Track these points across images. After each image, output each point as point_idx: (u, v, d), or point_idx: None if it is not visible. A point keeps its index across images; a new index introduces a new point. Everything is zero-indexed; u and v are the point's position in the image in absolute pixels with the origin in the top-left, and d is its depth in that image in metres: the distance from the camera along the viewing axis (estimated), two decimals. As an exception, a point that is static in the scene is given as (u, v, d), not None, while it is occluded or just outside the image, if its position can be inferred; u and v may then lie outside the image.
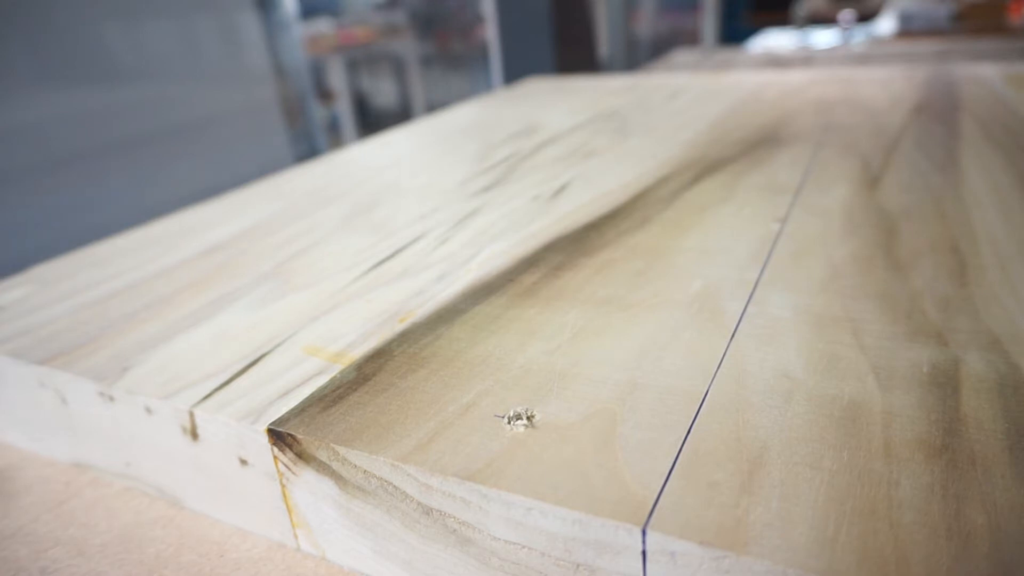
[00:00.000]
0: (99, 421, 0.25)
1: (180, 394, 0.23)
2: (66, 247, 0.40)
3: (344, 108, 2.69)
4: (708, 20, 3.19)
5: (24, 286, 0.34)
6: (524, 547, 0.17)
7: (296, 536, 0.22)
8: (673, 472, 0.17)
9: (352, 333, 0.26)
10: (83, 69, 0.78)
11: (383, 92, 3.17)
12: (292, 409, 0.21)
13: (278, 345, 0.25)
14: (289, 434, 0.20)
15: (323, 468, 0.20)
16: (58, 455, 0.27)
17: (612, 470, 0.17)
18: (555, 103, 0.71)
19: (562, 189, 0.41)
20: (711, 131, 0.53)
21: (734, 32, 3.12)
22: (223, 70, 1.00)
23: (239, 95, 1.02)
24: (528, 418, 0.20)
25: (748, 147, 0.47)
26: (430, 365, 0.23)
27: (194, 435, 0.22)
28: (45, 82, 0.74)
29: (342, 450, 0.19)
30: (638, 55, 2.63)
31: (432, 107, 2.63)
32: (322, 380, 0.23)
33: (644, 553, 0.16)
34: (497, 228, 0.35)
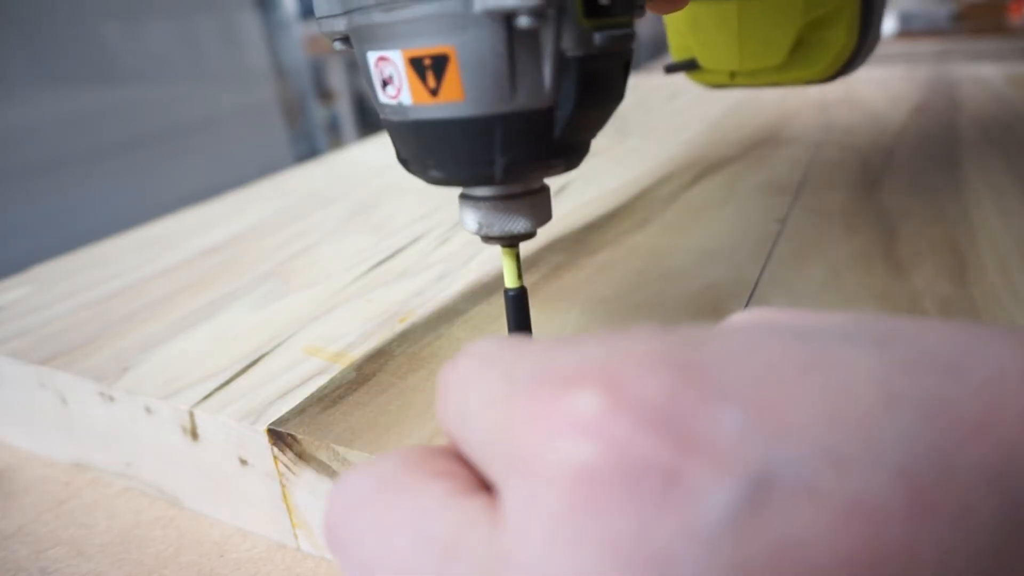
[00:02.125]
0: (99, 421, 0.25)
1: (180, 394, 0.23)
2: (66, 247, 0.40)
3: (344, 108, 2.69)
4: (708, 20, 3.19)
5: (24, 286, 0.34)
6: (524, 547, 0.17)
7: (296, 536, 0.22)
8: (673, 472, 0.17)
9: (352, 333, 0.26)
10: (83, 69, 0.78)
11: (383, 92, 3.17)
12: (292, 409, 0.21)
13: (278, 345, 0.25)
14: (289, 434, 0.20)
15: (323, 468, 0.20)
16: (58, 455, 0.27)
17: (612, 470, 0.17)
18: (555, 103, 0.71)
19: (562, 189, 0.41)
20: (711, 131, 0.53)
21: (734, 32, 3.12)
22: (223, 70, 1.00)
23: (239, 95, 1.02)
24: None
25: (748, 147, 0.47)
26: (430, 365, 0.23)
27: (194, 435, 0.22)
28: (45, 82, 0.74)
29: (342, 450, 0.19)
30: (638, 55, 2.63)
31: (432, 107, 2.62)
32: (322, 380, 0.23)
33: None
34: (497, 228, 0.35)
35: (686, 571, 0.08)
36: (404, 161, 0.18)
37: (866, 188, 0.37)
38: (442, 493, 0.10)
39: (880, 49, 0.90)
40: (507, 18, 0.14)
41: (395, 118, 0.16)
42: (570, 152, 0.17)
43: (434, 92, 0.15)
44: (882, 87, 0.65)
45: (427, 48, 0.15)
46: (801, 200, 0.36)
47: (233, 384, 0.23)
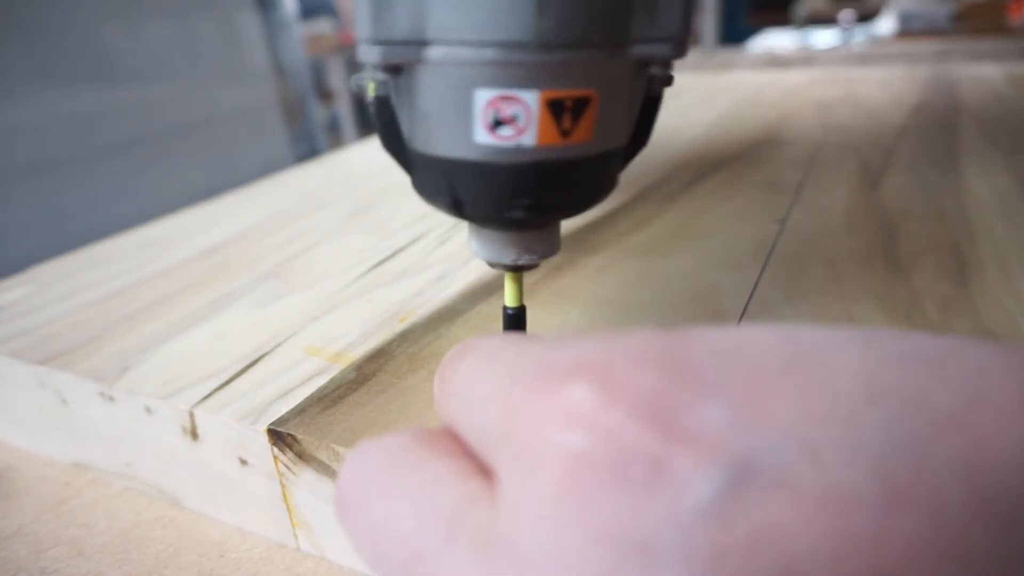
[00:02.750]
0: (99, 421, 0.25)
1: (180, 394, 0.23)
2: (66, 247, 0.40)
3: (344, 108, 2.69)
4: (708, 20, 3.19)
5: (24, 286, 0.34)
6: (524, 547, 0.17)
7: (296, 536, 0.22)
8: (673, 472, 0.17)
9: (352, 333, 0.26)
10: (83, 69, 0.78)
11: (383, 92, 3.16)
12: (292, 409, 0.21)
13: (278, 345, 0.25)
14: (289, 434, 0.20)
15: (323, 468, 0.20)
16: (58, 455, 0.27)
17: (612, 470, 0.17)
18: (555, 103, 0.71)
19: (562, 189, 0.41)
20: (711, 131, 0.53)
21: (734, 32, 3.12)
22: (223, 70, 1.00)
23: (239, 95, 1.02)
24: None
25: (748, 147, 0.47)
26: (430, 365, 0.23)
27: (194, 435, 0.22)
28: (46, 82, 0.74)
29: (342, 450, 0.19)
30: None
31: (432, 107, 2.61)
32: (322, 380, 0.23)
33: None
34: (497, 228, 0.35)
35: (668, 554, 0.08)
36: (456, 204, 0.16)
37: (866, 188, 0.37)
38: (448, 470, 0.11)
39: (880, 49, 0.90)
40: (642, 64, 0.14)
41: (499, 160, 0.15)
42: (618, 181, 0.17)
43: (566, 134, 0.14)
44: (882, 87, 0.65)
45: (572, 91, 0.14)
46: (801, 200, 0.36)
47: (233, 384, 0.23)
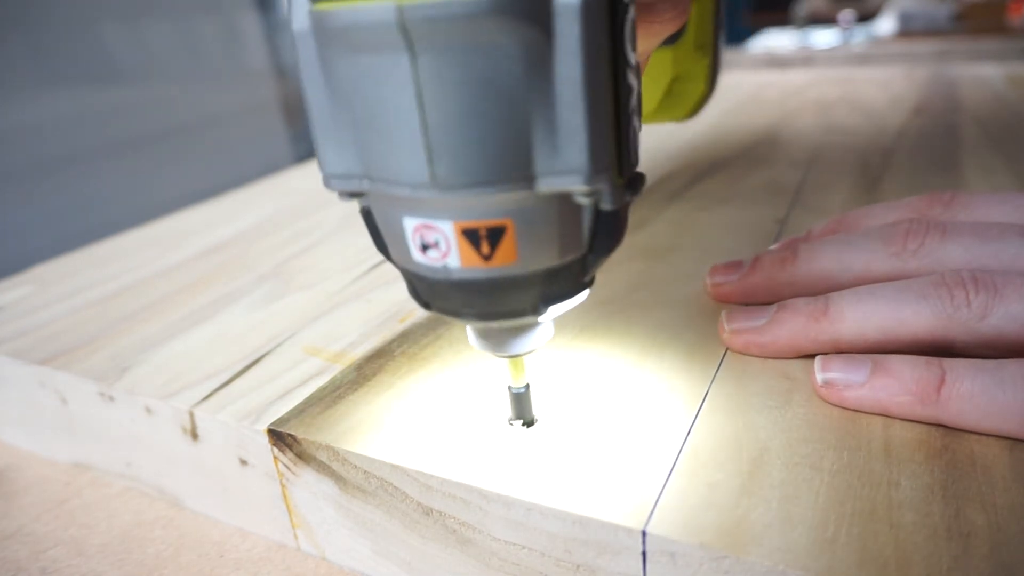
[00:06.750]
0: (99, 421, 0.25)
1: (180, 394, 0.23)
2: (66, 247, 0.40)
3: (344, 108, 2.68)
4: (708, 20, 3.17)
5: (24, 286, 0.34)
6: (524, 547, 0.17)
7: (296, 536, 0.22)
8: (673, 472, 0.17)
9: (352, 333, 0.26)
10: (83, 69, 0.78)
11: (383, 92, 3.15)
12: (292, 409, 0.21)
13: (278, 345, 0.25)
14: (289, 434, 0.20)
15: (323, 468, 0.20)
16: (58, 455, 0.27)
17: (612, 470, 0.17)
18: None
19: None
20: (711, 131, 0.53)
21: (734, 32, 3.11)
22: (223, 70, 1.00)
23: (239, 95, 1.02)
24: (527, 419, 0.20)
25: (748, 147, 0.47)
26: (430, 365, 0.23)
27: (194, 435, 0.22)
28: (45, 82, 0.74)
29: (342, 450, 0.19)
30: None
31: (432, 107, 2.61)
32: (322, 380, 0.23)
33: (644, 554, 0.16)
34: (497, 228, 0.35)
35: None
36: (426, 304, 0.17)
37: (866, 188, 0.37)
38: None
39: (880, 49, 0.90)
40: (563, 194, 0.15)
41: (434, 276, 0.16)
42: (592, 283, 0.17)
43: (487, 258, 0.15)
44: (882, 87, 0.65)
45: (484, 221, 0.15)
46: (801, 200, 0.36)
47: (233, 384, 0.23)
